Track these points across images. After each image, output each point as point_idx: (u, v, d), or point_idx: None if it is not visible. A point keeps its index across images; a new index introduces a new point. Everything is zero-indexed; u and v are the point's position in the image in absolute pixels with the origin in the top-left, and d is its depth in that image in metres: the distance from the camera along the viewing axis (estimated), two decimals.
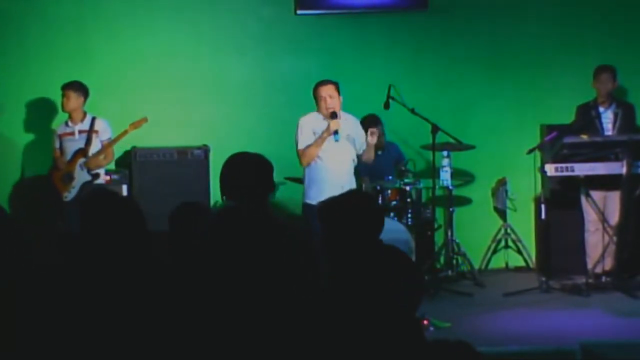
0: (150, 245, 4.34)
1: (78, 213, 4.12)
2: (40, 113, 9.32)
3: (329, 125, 7.73)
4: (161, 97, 9.39)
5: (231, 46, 9.56)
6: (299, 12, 9.56)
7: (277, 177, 8.83)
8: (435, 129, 8.25)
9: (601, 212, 8.57)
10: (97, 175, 8.62)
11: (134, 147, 9.06)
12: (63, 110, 8.73)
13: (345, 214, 4.19)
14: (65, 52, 9.32)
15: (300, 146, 7.80)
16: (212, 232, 4.45)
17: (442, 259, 9.14)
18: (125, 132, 8.67)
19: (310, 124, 7.82)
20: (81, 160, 8.63)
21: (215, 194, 8.41)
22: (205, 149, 9.07)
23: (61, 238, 4.47)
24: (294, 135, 7.90)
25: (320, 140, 7.73)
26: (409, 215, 8.66)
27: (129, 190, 8.87)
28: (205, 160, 9.02)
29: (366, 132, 9.13)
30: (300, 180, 8.34)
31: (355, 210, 4.21)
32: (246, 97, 9.54)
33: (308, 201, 7.72)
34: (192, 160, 9.04)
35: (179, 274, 4.36)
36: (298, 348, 3.87)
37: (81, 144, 8.66)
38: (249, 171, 4.72)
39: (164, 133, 9.13)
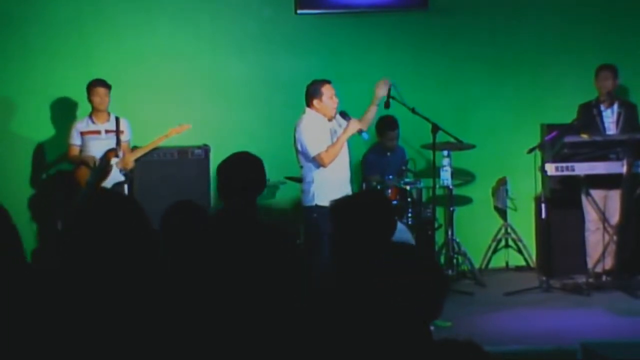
0: (157, 247, 4.33)
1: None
2: (41, 113, 9.32)
3: (348, 124, 7.66)
4: (161, 97, 9.39)
5: (231, 46, 9.56)
6: (299, 11, 9.56)
7: (277, 176, 8.88)
8: (435, 128, 8.24)
9: (602, 212, 8.57)
10: (127, 176, 8.62)
11: (134, 147, 9.05)
12: (96, 107, 8.69)
13: (364, 213, 4.12)
14: (65, 52, 9.32)
15: (320, 149, 7.56)
16: (203, 234, 4.45)
17: (442, 259, 9.13)
18: (166, 136, 8.69)
19: (317, 128, 7.65)
20: (113, 160, 8.62)
21: (216, 194, 8.40)
22: (205, 149, 9.07)
23: (61, 239, 4.47)
24: (295, 141, 7.71)
25: (343, 138, 7.63)
26: (410, 215, 8.66)
27: (129, 190, 8.85)
28: (206, 160, 9.02)
29: (381, 135, 9.10)
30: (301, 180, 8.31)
31: (372, 210, 4.15)
32: (246, 96, 9.54)
33: (320, 203, 7.42)
34: (193, 160, 9.04)
35: (170, 274, 4.35)
36: (292, 348, 3.85)
37: (109, 144, 8.66)
38: (235, 172, 4.69)
39: (165, 133, 9.10)
